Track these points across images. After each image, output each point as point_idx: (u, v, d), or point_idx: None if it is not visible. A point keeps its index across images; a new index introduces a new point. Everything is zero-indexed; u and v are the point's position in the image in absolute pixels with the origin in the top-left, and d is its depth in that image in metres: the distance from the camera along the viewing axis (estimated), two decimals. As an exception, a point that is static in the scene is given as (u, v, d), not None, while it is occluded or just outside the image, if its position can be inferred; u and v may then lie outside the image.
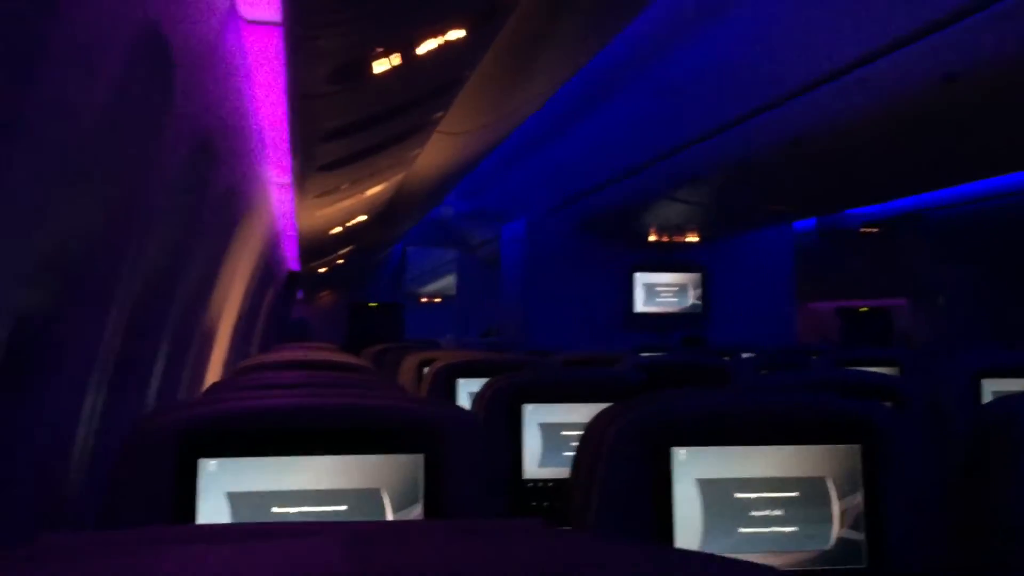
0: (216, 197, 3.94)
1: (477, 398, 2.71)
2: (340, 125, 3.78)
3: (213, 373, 5.81)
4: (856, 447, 1.66)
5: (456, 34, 3.31)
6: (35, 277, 1.83)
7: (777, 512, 1.64)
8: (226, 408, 1.57)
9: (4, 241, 1.39)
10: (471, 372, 3.45)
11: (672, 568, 0.48)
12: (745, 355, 6.53)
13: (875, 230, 13.19)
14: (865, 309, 15.01)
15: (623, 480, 1.60)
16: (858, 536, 1.64)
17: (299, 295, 17.43)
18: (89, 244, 2.26)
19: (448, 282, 19.58)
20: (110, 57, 1.83)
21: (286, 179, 5.20)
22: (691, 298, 13.25)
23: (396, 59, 3.08)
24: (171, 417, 1.52)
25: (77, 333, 2.16)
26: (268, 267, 8.92)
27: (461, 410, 1.68)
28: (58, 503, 2.05)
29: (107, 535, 0.54)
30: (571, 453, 2.60)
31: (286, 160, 4.67)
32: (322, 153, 4.25)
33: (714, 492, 1.63)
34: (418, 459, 1.51)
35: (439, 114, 4.81)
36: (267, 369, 3.30)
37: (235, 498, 1.47)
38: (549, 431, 2.70)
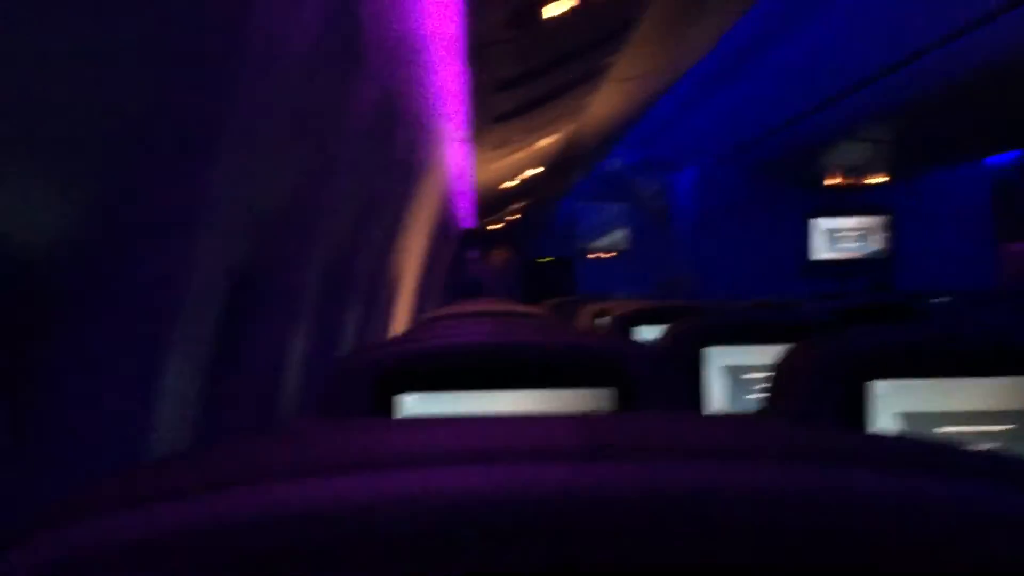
0: (398, 154, 4.06)
1: (659, 342, 2.69)
2: (514, 74, 3.81)
3: (397, 328, 6.05)
4: (1079, 378, 1.55)
5: (629, -27, 3.26)
6: (249, 231, 1.97)
7: (988, 447, 1.55)
8: (424, 346, 1.63)
9: (224, 199, 1.52)
10: (648, 320, 3.44)
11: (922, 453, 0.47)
12: (937, 300, 6.18)
13: (1086, 162, 12.08)
14: (1075, 249, 13.83)
15: (817, 416, 1.56)
16: (1081, 472, 1.53)
17: (472, 254, 17.81)
18: (290, 201, 2.39)
19: (618, 236, 19.43)
20: (307, 15, 1.92)
21: (462, 133, 5.31)
22: (875, 243, 12.61)
23: (570, 1, 3.06)
24: (371, 355, 1.59)
25: (283, 280, 2.31)
26: (444, 225, 9.15)
27: (651, 346, 1.68)
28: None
29: (349, 420, 0.58)
30: (756, 396, 2.56)
31: (462, 114, 4.76)
32: (497, 104, 4.30)
33: (917, 426, 1.56)
34: (612, 392, 1.52)
35: (610, 58, 4.76)
36: (452, 319, 3.40)
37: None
38: (733, 374, 2.66)
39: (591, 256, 19.09)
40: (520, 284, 17.21)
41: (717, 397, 2.62)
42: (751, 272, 12.30)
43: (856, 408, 1.57)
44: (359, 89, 2.71)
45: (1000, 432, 1.56)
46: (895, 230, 12.51)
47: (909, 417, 1.57)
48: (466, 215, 11.75)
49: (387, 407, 1.52)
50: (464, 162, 6.75)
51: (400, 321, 6.31)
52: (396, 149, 3.97)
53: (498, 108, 4.45)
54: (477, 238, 16.20)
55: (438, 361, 1.57)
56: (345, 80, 2.54)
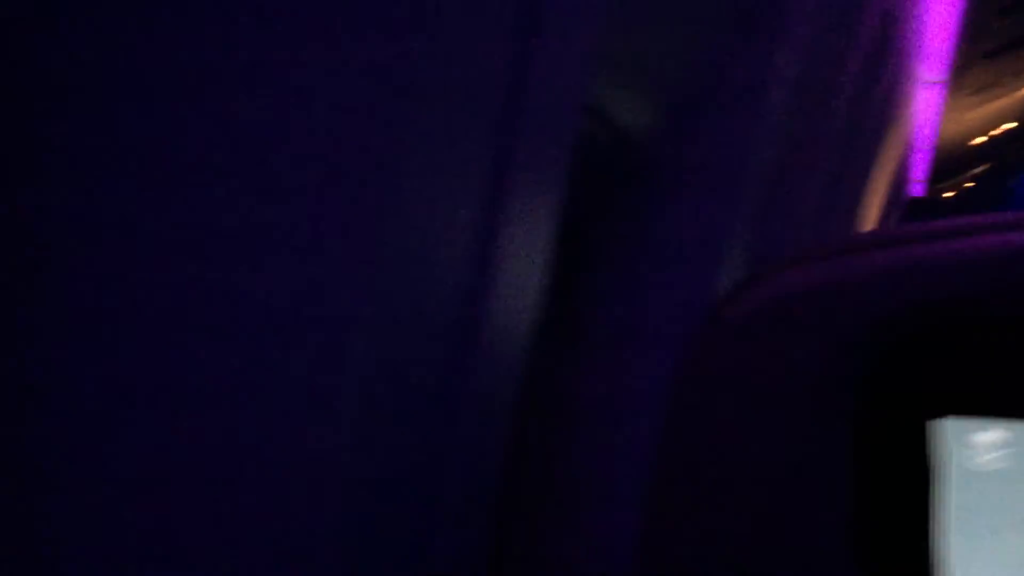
0: (875, 101, 3.77)
1: None
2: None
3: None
4: None
5: None
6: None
7: None
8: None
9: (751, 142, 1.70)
10: None
11: None
12: None
13: None
14: None
15: None
16: None
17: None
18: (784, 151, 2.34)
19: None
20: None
21: (938, 75, 4.81)
22: None
23: None
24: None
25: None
26: (896, 190, 8.53)
27: None
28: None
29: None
30: None
31: (946, 49, 4.30)
32: (993, 33, 3.81)
33: None
34: None
35: None
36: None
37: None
38: None
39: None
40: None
41: None
42: None
43: None
44: (861, 17, 2.52)
45: None
46: None
47: None
48: (917, 179, 10.78)
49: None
50: (931, 112, 6.15)
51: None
52: (876, 94, 3.68)
53: (991, 39, 3.94)
54: (925, 207, 14.90)
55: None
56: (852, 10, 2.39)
